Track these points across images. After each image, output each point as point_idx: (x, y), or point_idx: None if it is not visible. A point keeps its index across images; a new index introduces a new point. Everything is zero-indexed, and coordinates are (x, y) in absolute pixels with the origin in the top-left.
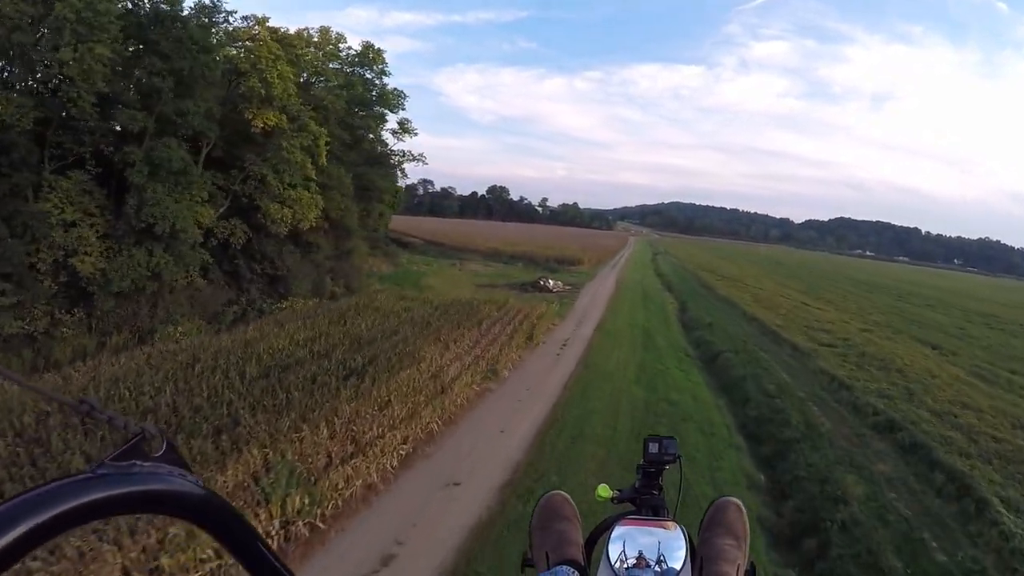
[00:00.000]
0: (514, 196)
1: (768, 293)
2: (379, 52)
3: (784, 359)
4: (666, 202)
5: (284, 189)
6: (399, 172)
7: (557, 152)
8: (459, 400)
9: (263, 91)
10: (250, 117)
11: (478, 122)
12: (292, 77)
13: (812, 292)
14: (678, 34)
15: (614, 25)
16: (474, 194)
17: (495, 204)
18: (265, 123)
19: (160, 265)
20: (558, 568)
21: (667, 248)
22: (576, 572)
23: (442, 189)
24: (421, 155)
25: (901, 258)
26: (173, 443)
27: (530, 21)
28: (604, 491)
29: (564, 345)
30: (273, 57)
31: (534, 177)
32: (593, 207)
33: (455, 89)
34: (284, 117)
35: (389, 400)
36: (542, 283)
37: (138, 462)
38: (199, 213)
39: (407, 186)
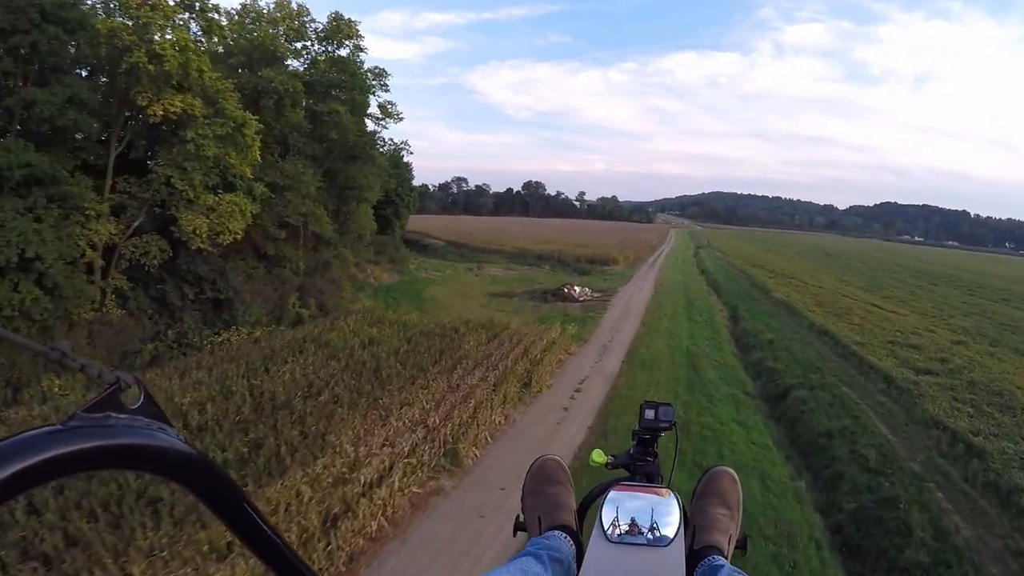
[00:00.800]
0: (551, 191)
1: (829, 292)
2: (351, 24)
3: (877, 399)
4: (706, 192)
5: (198, 193)
6: (410, 169)
7: (594, 145)
8: (373, 525)
9: (152, 68)
10: (144, 103)
11: (513, 118)
12: (193, 47)
13: (876, 289)
14: (711, 20)
15: (646, 14)
16: (509, 190)
17: (531, 200)
18: (168, 110)
19: (27, 302)
20: (550, 533)
21: (710, 241)
22: (568, 537)
23: (476, 187)
24: (405, 143)
25: (951, 243)
26: (152, 395)
27: (562, 15)
28: (599, 456)
29: (578, 391)
30: (168, 24)
31: (571, 171)
32: (632, 200)
33: (489, 86)
34: (197, 102)
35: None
36: (566, 290)
37: (113, 414)
38: (94, 231)
39: (440, 184)
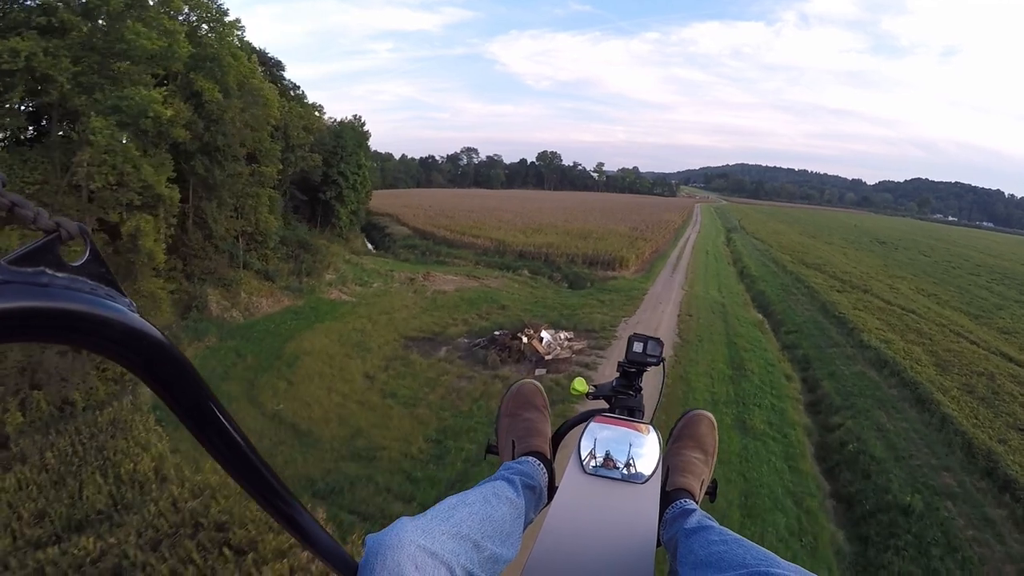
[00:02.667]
0: (567, 162)
1: (934, 327)
2: None
3: None
4: (731, 164)
5: None
6: (362, 140)
7: (615, 116)
8: None
9: None
10: None
11: (533, 88)
12: None
13: (981, 313)
14: None
15: None
16: (523, 161)
17: (546, 172)
18: None
19: None
20: (524, 458)
21: (741, 221)
22: (542, 464)
23: (488, 157)
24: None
25: (986, 224)
26: (99, 251)
27: None
28: (581, 385)
29: None
30: None
31: (593, 141)
32: (655, 171)
33: (509, 56)
34: None
35: None
36: (524, 340)
37: (48, 270)
38: None
39: (449, 156)
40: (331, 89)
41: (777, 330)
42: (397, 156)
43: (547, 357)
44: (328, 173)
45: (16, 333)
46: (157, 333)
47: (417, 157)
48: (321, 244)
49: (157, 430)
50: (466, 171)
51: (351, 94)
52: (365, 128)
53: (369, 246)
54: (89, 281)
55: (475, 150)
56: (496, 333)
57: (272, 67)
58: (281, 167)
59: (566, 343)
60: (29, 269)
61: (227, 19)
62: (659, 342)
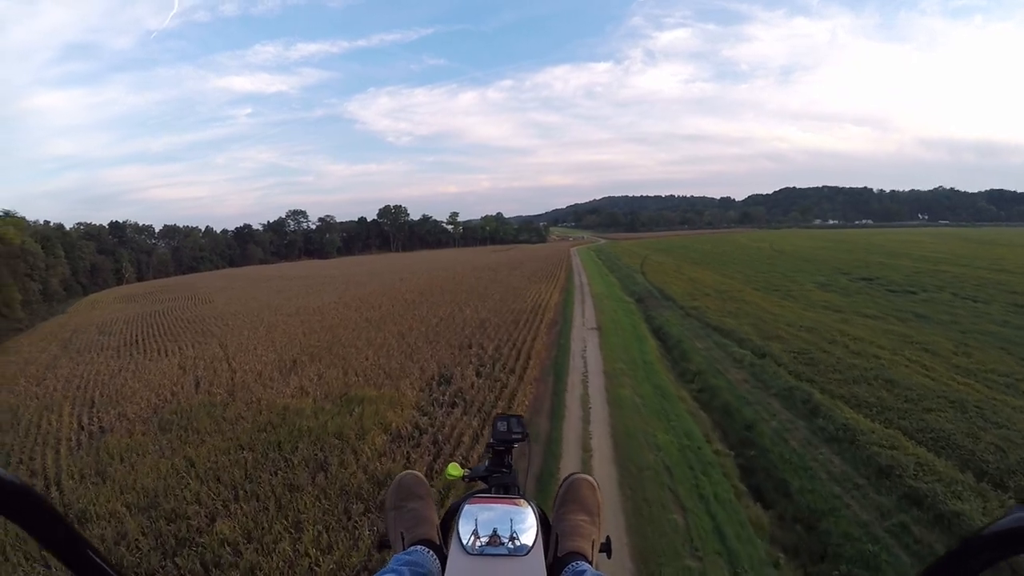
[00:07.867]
0: (417, 215)
1: None
2: None
3: None
4: (598, 199)
5: None
6: None
7: (478, 164)
8: None
9: None
10: None
11: (395, 144)
12: None
13: None
14: (583, 33)
15: (518, 32)
16: (362, 220)
17: (391, 230)
18: None
19: None
20: (413, 548)
21: (646, 272)
22: (431, 551)
23: (320, 220)
24: None
25: (866, 221)
26: None
27: (435, 38)
28: (455, 470)
29: None
30: None
31: (457, 192)
32: (522, 215)
33: (369, 115)
34: None
35: None
36: None
37: None
38: None
39: (270, 223)
40: (192, 159)
41: None
42: (256, 226)
43: None
44: None
45: None
46: (26, 486)
47: (233, 228)
48: None
49: None
50: (294, 240)
51: (213, 163)
52: None
53: None
54: None
55: (303, 213)
56: None
57: None
58: None
59: None
60: None
61: None
62: (520, 419)
